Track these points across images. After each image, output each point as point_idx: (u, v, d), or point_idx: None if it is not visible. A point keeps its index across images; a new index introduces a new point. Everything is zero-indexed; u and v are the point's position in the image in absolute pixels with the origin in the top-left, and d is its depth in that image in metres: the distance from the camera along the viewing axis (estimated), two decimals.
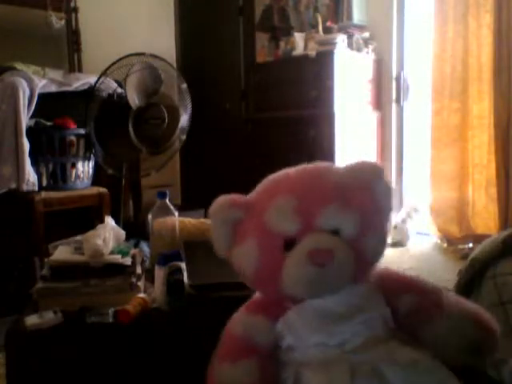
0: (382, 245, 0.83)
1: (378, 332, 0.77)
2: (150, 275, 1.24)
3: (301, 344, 0.77)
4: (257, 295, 0.88)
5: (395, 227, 3.07)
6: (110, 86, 2.55)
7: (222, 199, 0.85)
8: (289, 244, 0.77)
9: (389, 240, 2.93)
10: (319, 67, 3.04)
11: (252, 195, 0.86)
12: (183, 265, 1.13)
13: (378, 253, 0.84)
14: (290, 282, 0.77)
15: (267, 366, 0.78)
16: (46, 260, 1.21)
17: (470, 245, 2.94)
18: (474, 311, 0.84)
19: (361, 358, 0.73)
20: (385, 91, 3.36)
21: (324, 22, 3.24)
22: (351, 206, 0.77)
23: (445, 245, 3.05)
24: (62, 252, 1.24)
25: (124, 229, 1.37)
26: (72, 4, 3.34)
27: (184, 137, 2.67)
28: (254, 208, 0.82)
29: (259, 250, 0.80)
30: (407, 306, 0.84)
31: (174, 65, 3.74)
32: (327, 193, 0.78)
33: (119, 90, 2.57)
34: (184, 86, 2.61)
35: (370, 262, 0.83)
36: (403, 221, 3.14)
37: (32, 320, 1.04)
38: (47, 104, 2.40)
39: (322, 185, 0.80)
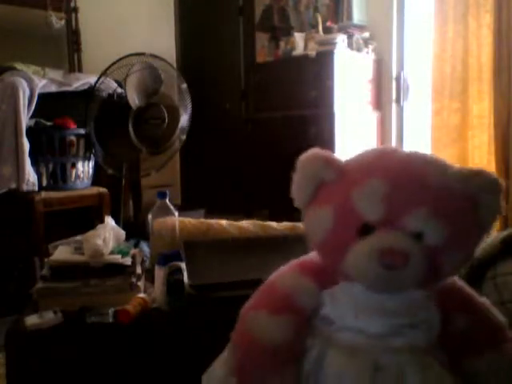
0: (466, 261, 0.78)
1: (418, 340, 0.74)
2: (150, 275, 1.24)
3: (339, 321, 0.76)
4: (313, 255, 0.84)
5: None
6: (110, 86, 2.55)
7: (316, 152, 0.78)
8: (365, 229, 0.72)
9: None
10: (319, 67, 3.04)
11: (347, 162, 0.80)
12: (183, 265, 1.13)
13: (457, 269, 0.79)
14: (353, 270, 0.73)
15: (301, 329, 0.77)
16: (46, 260, 1.21)
17: None
18: None
19: (390, 359, 0.71)
20: (385, 91, 3.36)
21: (324, 22, 3.23)
22: (445, 214, 0.70)
23: None
24: (62, 252, 1.24)
25: (124, 229, 1.37)
26: (72, 4, 3.34)
27: (184, 137, 2.67)
28: (345, 177, 0.76)
29: (334, 222, 0.74)
30: (461, 325, 0.78)
31: (174, 65, 3.74)
32: (425, 193, 0.71)
33: (119, 90, 2.57)
34: (184, 86, 2.61)
35: (445, 274, 0.77)
36: None
37: (32, 320, 1.04)
38: (47, 104, 2.40)
39: (422, 183, 0.72)
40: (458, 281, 0.83)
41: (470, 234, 0.74)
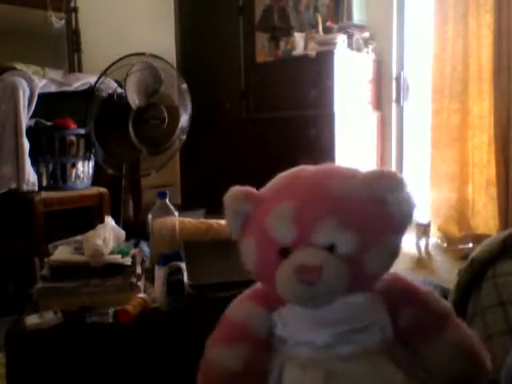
0: (388, 259, 0.80)
1: (371, 342, 0.76)
2: (149, 275, 1.25)
3: (291, 339, 0.78)
4: (259, 284, 0.89)
5: None
6: (110, 86, 2.55)
7: (236, 190, 0.85)
8: (284, 252, 0.76)
9: None
10: (319, 67, 3.04)
11: (264, 191, 0.85)
12: (183, 265, 1.13)
13: (384, 266, 0.81)
14: (281, 291, 0.77)
15: (258, 355, 0.80)
16: (45, 260, 1.21)
17: (470, 245, 2.94)
18: (472, 343, 0.82)
19: (342, 366, 0.74)
20: (385, 91, 3.36)
21: (324, 22, 3.24)
22: (351, 222, 0.74)
23: (445, 245, 3.05)
24: (62, 252, 1.24)
25: (124, 229, 1.37)
26: (72, 4, 3.35)
27: (184, 137, 2.67)
28: (261, 206, 0.82)
29: (257, 251, 0.81)
30: (407, 320, 0.81)
31: (174, 65, 3.73)
32: (328, 206, 0.76)
33: (119, 90, 2.57)
34: (184, 86, 2.60)
35: (371, 275, 0.79)
36: None
37: (32, 320, 1.04)
38: (47, 104, 2.40)
39: (326, 197, 0.77)
40: (398, 276, 0.86)
41: (385, 232, 0.77)
